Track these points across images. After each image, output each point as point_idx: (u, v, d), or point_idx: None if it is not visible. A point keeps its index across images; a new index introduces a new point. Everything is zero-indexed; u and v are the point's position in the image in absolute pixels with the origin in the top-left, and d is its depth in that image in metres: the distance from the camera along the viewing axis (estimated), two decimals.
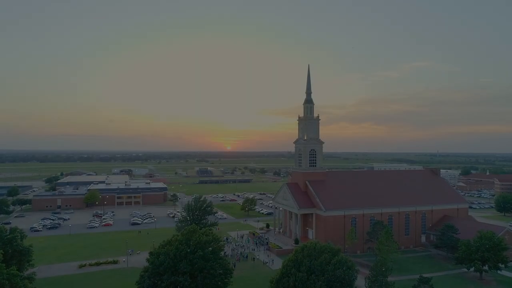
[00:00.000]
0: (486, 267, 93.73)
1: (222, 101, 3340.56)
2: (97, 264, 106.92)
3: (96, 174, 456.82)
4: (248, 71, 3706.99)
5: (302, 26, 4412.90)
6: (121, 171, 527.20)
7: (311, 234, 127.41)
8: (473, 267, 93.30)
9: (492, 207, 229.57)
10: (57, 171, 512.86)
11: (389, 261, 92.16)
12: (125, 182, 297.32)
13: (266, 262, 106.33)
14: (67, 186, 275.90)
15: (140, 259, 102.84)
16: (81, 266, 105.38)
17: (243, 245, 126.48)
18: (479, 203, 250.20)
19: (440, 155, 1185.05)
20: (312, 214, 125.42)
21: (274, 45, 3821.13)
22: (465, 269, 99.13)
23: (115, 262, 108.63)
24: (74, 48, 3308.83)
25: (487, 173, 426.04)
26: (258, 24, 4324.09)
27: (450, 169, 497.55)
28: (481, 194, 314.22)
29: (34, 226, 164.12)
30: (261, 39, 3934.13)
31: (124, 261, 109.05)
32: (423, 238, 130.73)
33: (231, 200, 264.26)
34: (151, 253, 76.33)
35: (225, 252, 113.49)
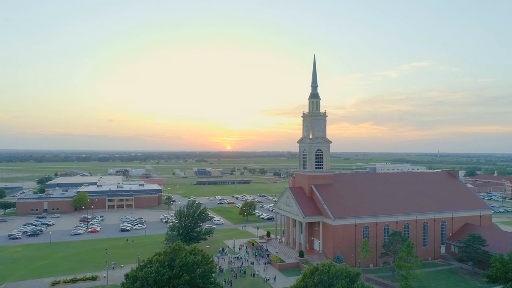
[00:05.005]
0: None
1: (222, 101, 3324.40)
2: (73, 280, 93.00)
3: (91, 175, 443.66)
4: (248, 71, 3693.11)
5: (302, 26, 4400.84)
6: (117, 171, 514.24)
7: (317, 245, 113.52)
8: None
9: (507, 211, 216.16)
10: (52, 171, 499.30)
11: (413, 280, 78.66)
12: (118, 183, 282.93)
13: (267, 280, 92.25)
14: (57, 188, 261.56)
15: (123, 275, 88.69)
16: (54, 284, 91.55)
17: (241, 258, 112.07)
18: (492, 206, 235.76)
19: (440, 155, 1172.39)
20: (318, 222, 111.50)
21: (274, 45, 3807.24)
22: None
23: (93, 278, 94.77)
24: (74, 48, 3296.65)
25: (495, 174, 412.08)
26: (258, 24, 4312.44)
27: (453, 169, 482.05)
28: (491, 196, 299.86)
29: (13, 233, 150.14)
30: (261, 39, 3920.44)
31: (104, 277, 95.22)
32: (443, 249, 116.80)
33: (229, 203, 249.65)
34: (127, 276, 62.70)
35: (220, 267, 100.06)
